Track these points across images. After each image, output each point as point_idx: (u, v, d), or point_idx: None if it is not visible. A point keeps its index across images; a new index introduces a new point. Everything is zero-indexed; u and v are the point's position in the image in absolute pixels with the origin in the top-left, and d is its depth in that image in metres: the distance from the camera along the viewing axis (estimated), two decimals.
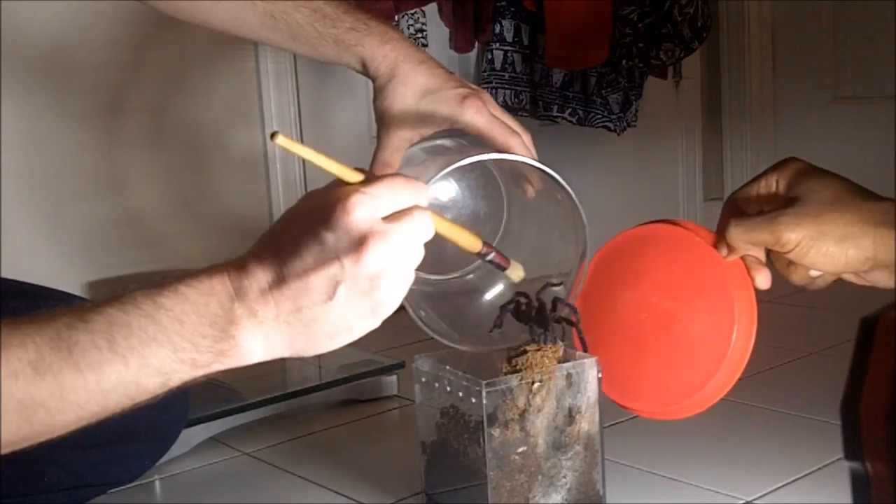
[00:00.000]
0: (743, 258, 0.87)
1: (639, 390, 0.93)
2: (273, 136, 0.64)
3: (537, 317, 0.91)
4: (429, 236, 0.67)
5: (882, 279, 0.80)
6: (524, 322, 0.92)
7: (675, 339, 0.90)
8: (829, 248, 0.78)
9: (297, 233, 0.65)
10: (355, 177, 0.67)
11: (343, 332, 0.65)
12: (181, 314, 0.62)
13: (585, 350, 0.92)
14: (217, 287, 0.64)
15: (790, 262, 0.84)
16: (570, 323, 0.92)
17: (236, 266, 0.65)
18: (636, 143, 2.34)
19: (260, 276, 0.64)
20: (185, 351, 0.62)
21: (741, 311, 0.86)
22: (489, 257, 0.85)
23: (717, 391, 0.89)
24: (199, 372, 0.64)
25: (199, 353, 0.63)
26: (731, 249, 0.86)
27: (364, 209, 0.63)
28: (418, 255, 0.67)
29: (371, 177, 0.67)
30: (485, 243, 0.83)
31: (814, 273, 0.83)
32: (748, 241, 0.84)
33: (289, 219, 0.67)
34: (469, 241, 0.81)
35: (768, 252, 0.86)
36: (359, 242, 0.63)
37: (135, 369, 0.61)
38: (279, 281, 0.64)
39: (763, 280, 0.86)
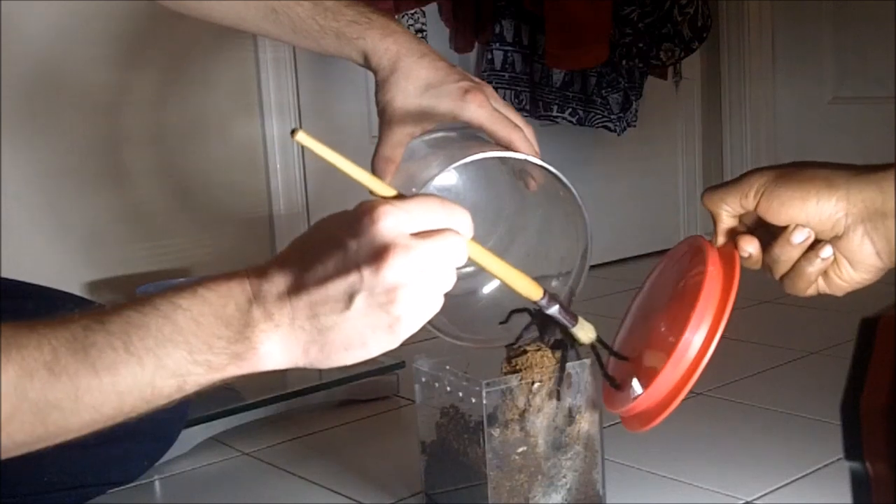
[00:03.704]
0: (735, 240, 0.80)
1: (610, 392, 0.88)
2: (293, 132, 0.63)
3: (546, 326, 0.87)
4: (460, 262, 0.65)
5: (858, 249, 0.74)
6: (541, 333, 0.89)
7: (647, 339, 0.85)
8: (794, 193, 0.74)
9: (323, 240, 0.64)
10: (387, 191, 0.66)
11: (358, 346, 0.64)
12: (198, 315, 0.62)
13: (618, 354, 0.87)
14: (236, 289, 0.63)
15: (772, 244, 0.77)
16: (605, 347, 0.87)
17: (257, 270, 0.65)
18: (636, 143, 2.34)
19: (279, 281, 0.64)
20: (201, 352, 0.62)
21: (703, 310, 0.78)
22: (550, 311, 0.77)
23: (672, 391, 0.80)
24: (216, 375, 0.63)
25: (215, 354, 0.62)
26: (715, 221, 0.80)
27: (391, 220, 0.62)
28: (446, 278, 0.64)
29: (405, 196, 0.66)
30: (547, 293, 0.76)
31: (795, 239, 0.75)
32: (721, 199, 0.79)
33: (318, 226, 0.67)
34: (526, 287, 0.75)
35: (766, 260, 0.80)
36: (380, 253, 0.61)
37: (150, 371, 0.61)
38: (298, 286, 0.63)
39: (751, 245, 0.79)
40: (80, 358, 0.59)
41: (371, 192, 0.67)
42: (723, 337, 0.77)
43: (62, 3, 1.57)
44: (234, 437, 1.26)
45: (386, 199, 0.65)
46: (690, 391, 0.79)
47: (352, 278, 0.62)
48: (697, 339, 0.78)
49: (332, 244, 0.63)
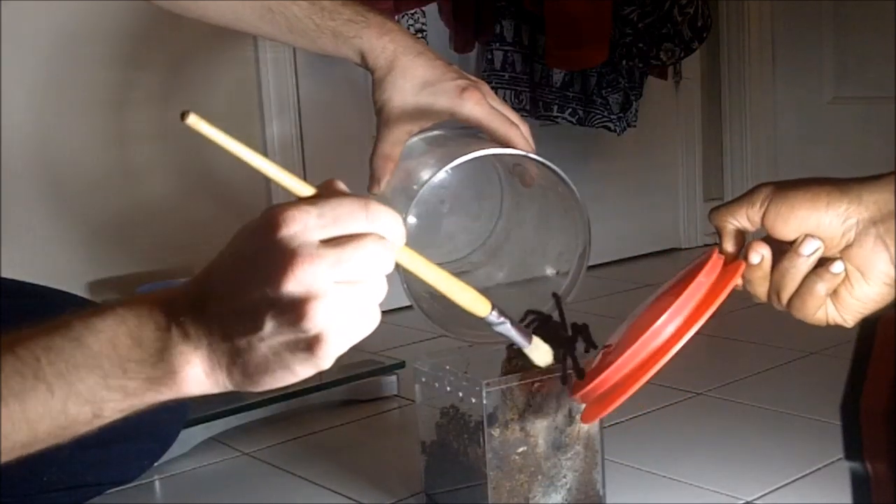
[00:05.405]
0: (745, 248, 0.78)
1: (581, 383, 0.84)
2: (183, 115, 0.53)
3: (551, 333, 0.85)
4: (385, 269, 0.56)
5: (870, 255, 0.71)
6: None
7: (627, 334, 0.81)
8: (803, 197, 0.72)
9: (234, 252, 0.58)
10: (302, 188, 0.57)
11: (279, 369, 0.56)
12: (113, 337, 0.57)
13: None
14: (155, 309, 0.58)
15: (780, 259, 0.75)
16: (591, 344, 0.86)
17: (180, 288, 0.59)
18: (636, 143, 2.34)
19: (196, 298, 0.57)
20: (115, 377, 0.57)
21: (679, 308, 0.76)
22: (500, 328, 0.69)
23: (630, 375, 0.76)
24: (135, 401, 0.58)
25: (129, 378, 0.57)
26: (720, 234, 0.79)
27: (296, 226, 0.54)
28: (371, 289, 0.55)
29: (326, 192, 0.57)
30: (496, 308, 0.68)
31: (805, 250, 0.73)
32: (727, 212, 0.77)
33: (236, 236, 0.59)
34: (471, 301, 0.67)
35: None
36: (282, 264, 0.53)
37: (62, 397, 0.56)
38: (211, 304, 0.57)
39: (763, 248, 0.76)
40: None
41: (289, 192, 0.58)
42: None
43: (65, 3, 1.58)
44: (234, 437, 1.26)
45: (300, 200, 0.56)
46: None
47: (256, 294, 0.54)
48: (668, 330, 0.75)
49: (240, 257, 0.57)
